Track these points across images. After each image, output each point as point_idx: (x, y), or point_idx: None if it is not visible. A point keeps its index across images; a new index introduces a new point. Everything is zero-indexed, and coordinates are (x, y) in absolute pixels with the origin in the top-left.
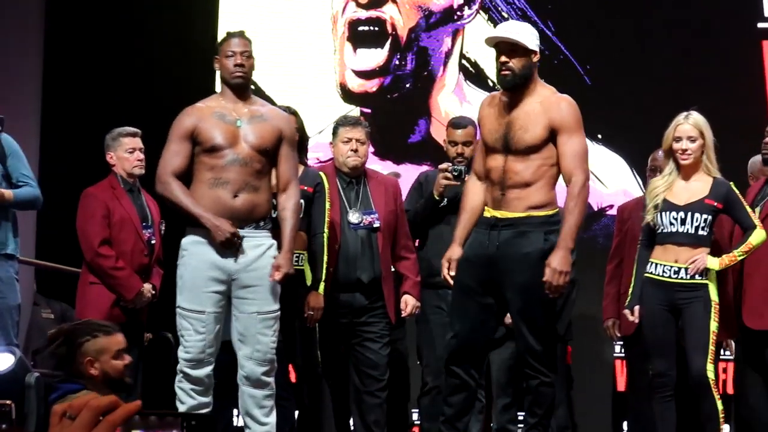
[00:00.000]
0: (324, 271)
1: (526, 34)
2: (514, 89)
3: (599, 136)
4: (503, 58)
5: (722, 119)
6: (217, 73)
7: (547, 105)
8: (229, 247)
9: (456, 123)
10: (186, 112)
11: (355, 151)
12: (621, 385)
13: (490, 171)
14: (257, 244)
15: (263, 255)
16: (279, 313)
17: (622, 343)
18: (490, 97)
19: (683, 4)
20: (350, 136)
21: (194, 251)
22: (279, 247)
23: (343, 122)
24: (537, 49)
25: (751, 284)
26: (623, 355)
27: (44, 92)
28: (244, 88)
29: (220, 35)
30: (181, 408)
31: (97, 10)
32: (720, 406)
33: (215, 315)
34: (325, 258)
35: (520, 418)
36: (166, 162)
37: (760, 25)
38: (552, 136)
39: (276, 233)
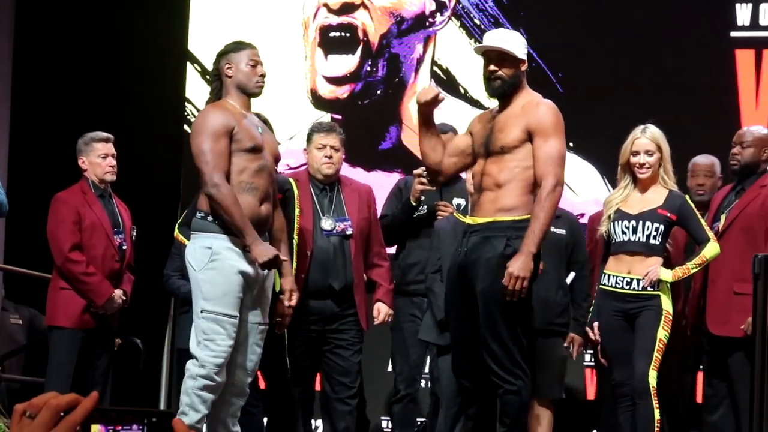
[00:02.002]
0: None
1: (515, 43)
2: (501, 97)
3: (571, 144)
4: (492, 67)
5: (695, 128)
6: (191, 78)
7: (527, 108)
8: (270, 268)
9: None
10: (216, 110)
11: (330, 157)
12: (591, 394)
13: (474, 178)
14: None
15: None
16: (267, 328)
17: (591, 351)
18: (485, 113)
19: (656, 12)
20: (324, 142)
21: (226, 256)
22: None
23: (318, 129)
24: (525, 57)
25: (714, 291)
26: (593, 363)
27: (13, 96)
28: (250, 98)
29: (191, 41)
30: (194, 417)
31: (67, 13)
32: (657, 415)
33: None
34: (294, 265)
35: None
36: (215, 162)
37: (733, 34)
38: (529, 139)
39: None
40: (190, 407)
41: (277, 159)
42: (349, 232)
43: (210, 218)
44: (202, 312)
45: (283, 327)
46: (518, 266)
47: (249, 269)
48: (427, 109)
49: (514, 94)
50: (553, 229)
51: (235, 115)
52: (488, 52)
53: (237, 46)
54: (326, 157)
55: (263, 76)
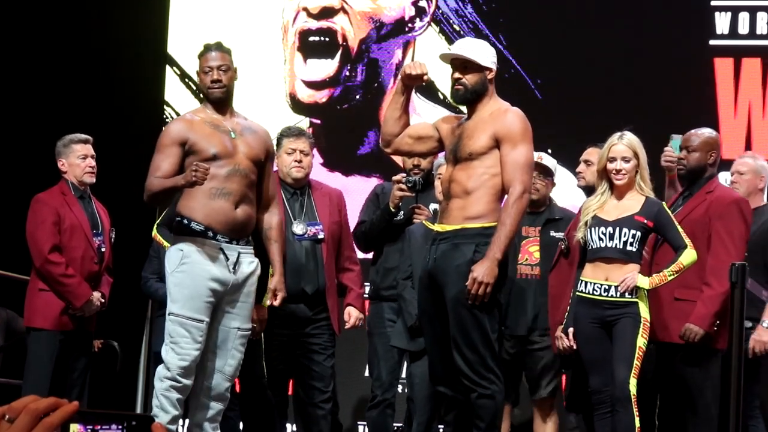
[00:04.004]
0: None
1: (479, 52)
2: (465, 104)
3: (549, 150)
4: (456, 74)
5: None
6: (170, 81)
7: (495, 115)
8: (200, 179)
9: None
10: (174, 122)
11: (299, 162)
12: None
13: (442, 185)
14: (251, 260)
15: (254, 272)
16: (249, 332)
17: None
18: (454, 116)
19: (635, 21)
20: (294, 147)
21: (196, 260)
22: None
23: (287, 133)
24: (492, 66)
25: (657, 297)
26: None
27: None
28: (223, 103)
29: (171, 43)
30: (165, 418)
31: (46, 15)
32: (637, 423)
33: (209, 325)
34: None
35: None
36: (153, 168)
37: (712, 42)
38: (497, 146)
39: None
40: (160, 409)
41: (256, 161)
42: (321, 236)
43: (185, 221)
44: (169, 314)
45: (258, 332)
46: (482, 271)
47: (222, 274)
48: (409, 82)
49: (480, 102)
50: (552, 233)
51: (195, 124)
52: (454, 60)
53: (201, 52)
54: (296, 161)
55: (215, 81)
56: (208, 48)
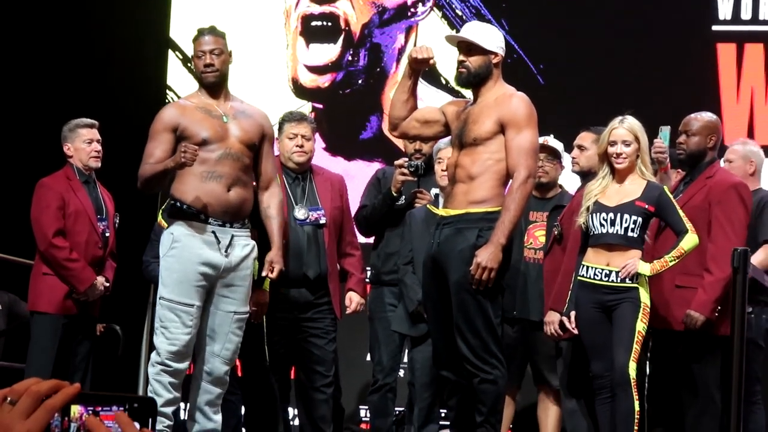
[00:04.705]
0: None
1: (485, 35)
2: (468, 87)
3: (551, 135)
4: (460, 57)
5: (675, 121)
6: (172, 65)
7: (500, 100)
8: (189, 160)
9: None
10: (166, 108)
11: (301, 146)
12: None
13: (447, 170)
14: (245, 243)
15: (249, 255)
16: (248, 315)
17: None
18: (461, 101)
19: (638, 6)
20: (296, 131)
21: (186, 243)
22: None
23: (289, 118)
24: (497, 50)
25: (658, 284)
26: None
27: None
28: (217, 87)
29: (172, 28)
30: (159, 402)
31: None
32: (637, 407)
33: (201, 309)
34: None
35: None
36: (146, 155)
37: (715, 27)
38: (502, 131)
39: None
40: (153, 393)
41: (249, 144)
42: (323, 221)
43: (178, 204)
44: (160, 299)
45: (259, 316)
46: (486, 256)
47: (214, 257)
48: (416, 65)
49: (485, 86)
50: None
51: (187, 110)
52: (459, 43)
53: (194, 36)
54: (297, 146)
55: (208, 66)
56: (201, 32)
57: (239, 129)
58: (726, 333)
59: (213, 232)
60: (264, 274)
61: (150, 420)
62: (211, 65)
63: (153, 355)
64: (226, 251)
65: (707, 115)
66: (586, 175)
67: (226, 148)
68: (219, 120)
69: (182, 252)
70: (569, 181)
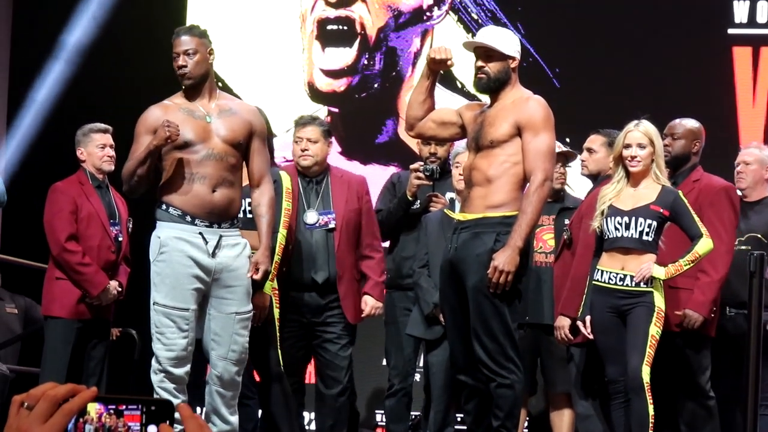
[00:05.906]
0: (272, 270)
1: (503, 40)
2: (487, 92)
3: (567, 140)
4: (479, 63)
5: None
6: None
7: (517, 103)
8: (170, 136)
9: None
10: (151, 109)
11: (305, 150)
12: None
13: (464, 173)
14: (235, 242)
15: (240, 254)
16: (252, 313)
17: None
18: (478, 104)
19: (653, 9)
20: (300, 135)
21: (175, 247)
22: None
23: (296, 122)
24: (515, 54)
25: None
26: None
27: (11, 87)
28: (195, 88)
29: None
30: None
31: (64, 4)
32: (651, 411)
33: (196, 312)
34: (276, 257)
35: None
36: (130, 156)
37: (731, 31)
38: (518, 134)
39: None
40: None
41: (234, 143)
42: (332, 225)
43: (164, 207)
44: (153, 304)
45: (258, 319)
46: (503, 260)
47: (202, 259)
48: (435, 66)
49: (503, 90)
50: (567, 221)
51: (170, 110)
52: (477, 48)
53: (172, 36)
54: (302, 150)
55: (180, 67)
56: (176, 32)
57: (224, 128)
58: (713, 334)
59: (200, 234)
60: (249, 275)
61: (168, 423)
62: (183, 66)
63: (153, 362)
64: (213, 252)
65: (692, 121)
66: (596, 178)
67: (209, 148)
68: (202, 120)
69: (171, 256)
70: (579, 185)
